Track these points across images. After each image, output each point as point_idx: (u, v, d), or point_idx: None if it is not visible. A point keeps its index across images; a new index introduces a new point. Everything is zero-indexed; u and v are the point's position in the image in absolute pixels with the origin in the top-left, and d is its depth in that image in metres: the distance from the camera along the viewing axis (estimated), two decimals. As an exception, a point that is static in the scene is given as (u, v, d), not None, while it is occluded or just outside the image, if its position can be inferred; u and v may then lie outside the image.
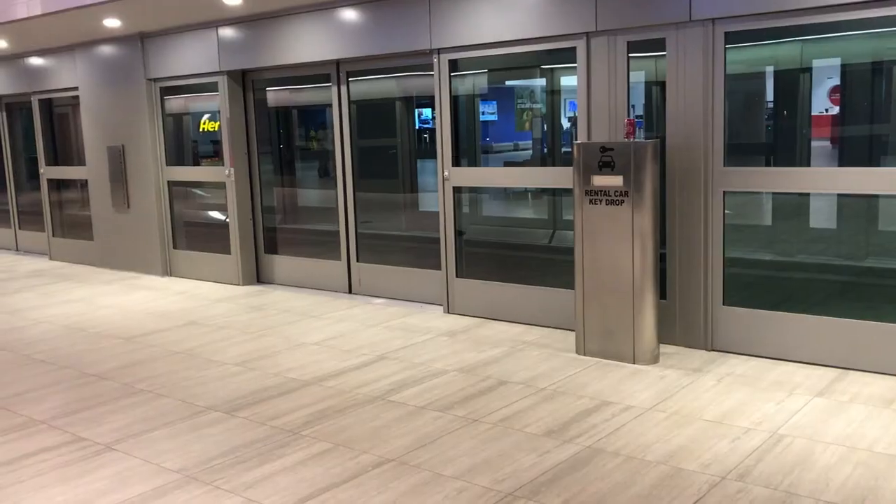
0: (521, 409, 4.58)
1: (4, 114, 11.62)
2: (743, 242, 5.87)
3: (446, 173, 6.79)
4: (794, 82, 5.77)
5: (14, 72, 10.77)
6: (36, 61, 10.39)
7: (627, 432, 4.18)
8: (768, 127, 6.02)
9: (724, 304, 5.47)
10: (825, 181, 5.06)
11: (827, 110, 5.97)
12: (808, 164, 5.62)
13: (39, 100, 10.67)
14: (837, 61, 5.59)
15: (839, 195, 5.38)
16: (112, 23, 8.12)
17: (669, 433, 4.15)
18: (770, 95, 6.00)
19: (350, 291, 7.92)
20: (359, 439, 4.23)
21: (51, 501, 3.66)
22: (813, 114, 5.80)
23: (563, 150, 6.97)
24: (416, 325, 6.55)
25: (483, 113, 7.49)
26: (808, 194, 5.53)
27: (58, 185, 10.88)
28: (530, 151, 7.39)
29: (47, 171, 10.82)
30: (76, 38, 9.19)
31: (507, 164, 7.49)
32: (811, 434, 4.07)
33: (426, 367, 5.44)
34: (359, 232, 7.82)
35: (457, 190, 6.82)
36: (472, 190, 7.06)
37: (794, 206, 5.80)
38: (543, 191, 7.00)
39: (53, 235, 10.92)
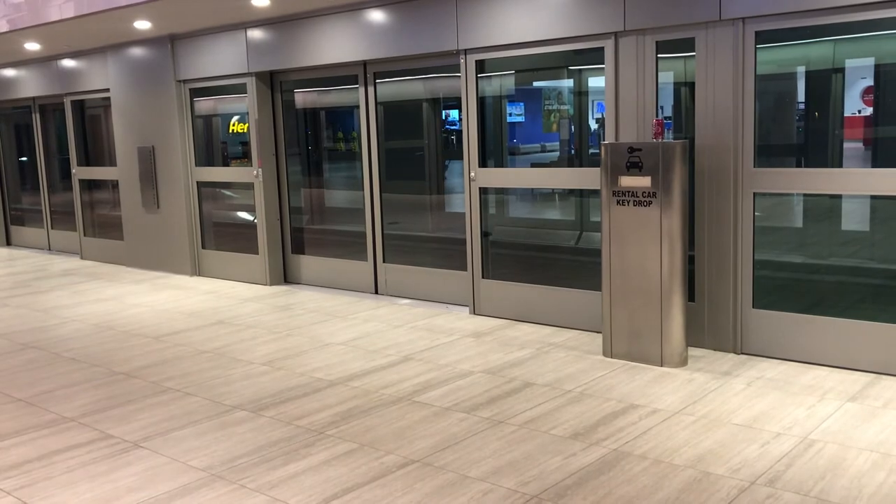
0: (547, 411, 4.55)
1: (38, 115, 11.80)
2: (773, 245, 5.78)
3: (473, 174, 6.78)
4: (826, 83, 5.67)
5: (47, 74, 10.94)
6: (68, 63, 10.54)
7: (655, 435, 4.14)
8: (799, 128, 5.93)
9: (753, 307, 5.41)
10: (858, 182, 4.98)
11: (860, 111, 5.86)
12: (841, 166, 5.53)
13: (72, 101, 10.82)
14: (871, 61, 5.49)
15: (872, 197, 5.28)
16: (143, 25, 8.21)
17: (698, 437, 4.10)
18: (801, 96, 5.91)
19: (376, 292, 7.93)
20: (384, 440, 4.23)
21: (79, 498, 3.69)
22: (846, 115, 5.70)
23: (591, 151, 6.92)
24: (441, 326, 6.54)
25: (510, 114, 7.46)
26: (840, 196, 5.44)
27: (89, 185, 11.03)
28: (557, 153, 7.35)
29: (79, 172, 10.97)
30: (107, 40, 9.31)
31: (535, 165, 7.46)
32: (843, 439, 4.00)
33: (452, 368, 5.43)
34: (385, 233, 7.83)
35: (483, 191, 6.81)
36: (499, 191, 7.04)
37: (825, 209, 5.71)
38: (570, 192, 6.96)
39: (85, 235, 11.06)
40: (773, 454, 3.86)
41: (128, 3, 7.12)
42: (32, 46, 9.74)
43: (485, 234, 6.88)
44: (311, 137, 8.73)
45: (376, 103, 7.67)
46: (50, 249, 12.10)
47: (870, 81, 5.58)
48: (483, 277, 6.87)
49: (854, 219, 5.66)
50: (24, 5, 8.29)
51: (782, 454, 3.86)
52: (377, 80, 7.63)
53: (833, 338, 5.12)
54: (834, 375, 4.97)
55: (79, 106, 10.89)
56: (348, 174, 8.38)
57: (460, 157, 6.92)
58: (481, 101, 6.78)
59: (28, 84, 11.33)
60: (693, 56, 5.45)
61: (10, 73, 11.60)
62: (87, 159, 11.02)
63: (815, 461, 3.77)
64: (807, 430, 4.14)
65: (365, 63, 7.61)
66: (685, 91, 5.85)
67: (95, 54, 10.06)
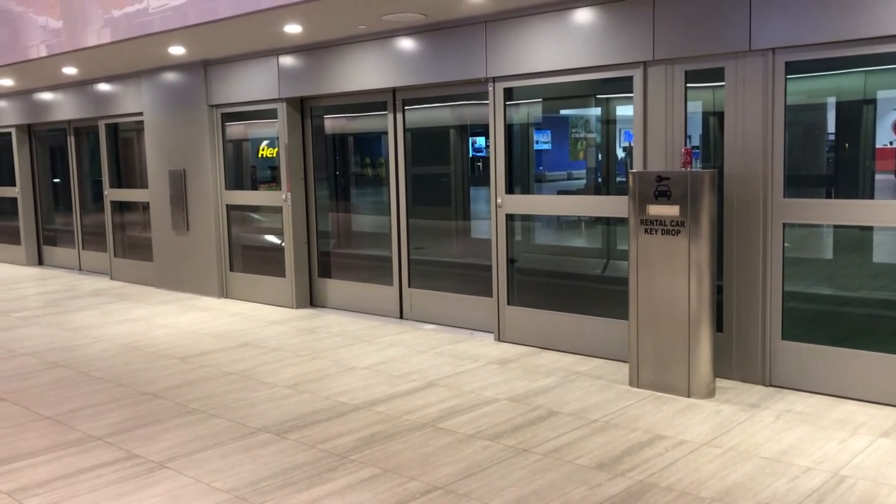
0: (572, 440, 4.52)
1: (73, 138, 12.02)
2: (803, 276, 5.72)
3: (499, 200, 6.79)
4: (857, 114, 5.64)
5: (83, 98, 11.16)
6: (103, 87, 10.75)
7: (681, 467, 4.09)
8: (829, 159, 5.88)
9: (783, 339, 5.34)
10: (890, 214, 4.92)
11: (892, 143, 5.81)
12: (872, 198, 5.48)
13: (106, 124, 11.02)
14: (903, 93, 5.46)
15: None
16: (177, 50, 8.37)
17: (725, 469, 4.04)
18: (832, 127, 5.87)
19: (401, 317, 7.94)
20: (407, 465, 4.21)
21: (104, 517, 3.71)
22: (877, 146, 5.66)
23: (618, 179, 6.91)
24: (466, 352, 6.53)
25: (537, 142, 7.48)
26: (871, 228, 5.38)
27: (120, 207, 11.19)
28: (584, 180, 7.35)
29: (111, 194, 11.14)
30: (142, 65, 9.49)
31: (561, 192, 7.46)
32: (875, 476, 3.92)
33: (476, 394, 5.41)
34: (411, 258, 7.85)
35: (509, 217, 6.82)
36: (525, 218, 7.04)
37: (855, 240, 5.65)
38: (597, 220, 6.94)
39: (115, 256, 11.21)
40: (803, 489, 3.79)
41: (163, 29, 7.27)
42: (70, 71, 9.95)
43: (511, 261, 6.88)
44: (339, 162, 8.81)
45: (405, 130, 7.74)
46: (81, 269, 12.26)
47: (902, 113, 5.55)
48: (508, 304, 6.86)
49: (885, 251, 5.59)
50: (62, 31, 8.49)
51: (812, 489, 3.79)
52: (406, 107, 7.70)
53: (865, 371, 5.03)
54: (865, 410, 4.88)
55: (112, 129, 11.08)
56: (375, 199, 8.43)
57: (487, 184, 6.94)
58: (509, 129, 6.81)
59: (64, 107, 11.56)
60: (722, 86, 5.44)
61: (47, 96, 11.85)
62: (119, 181, 11.19)
63: (847, 497, 3.70)
64: (838, 465, 4.07)
65: (394, 90, 7.69)
66: (714, 120, 5.84)
67: (130, 79, 10.25)
